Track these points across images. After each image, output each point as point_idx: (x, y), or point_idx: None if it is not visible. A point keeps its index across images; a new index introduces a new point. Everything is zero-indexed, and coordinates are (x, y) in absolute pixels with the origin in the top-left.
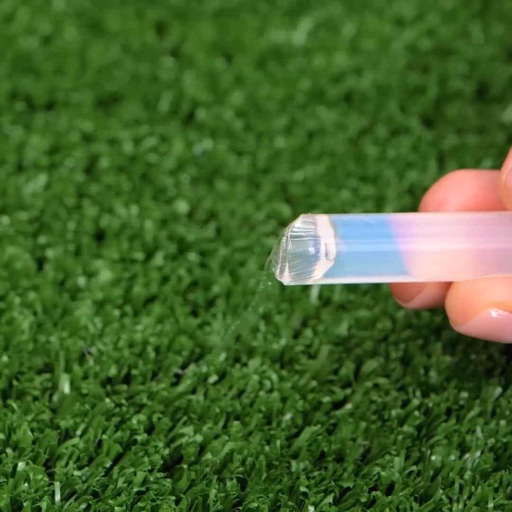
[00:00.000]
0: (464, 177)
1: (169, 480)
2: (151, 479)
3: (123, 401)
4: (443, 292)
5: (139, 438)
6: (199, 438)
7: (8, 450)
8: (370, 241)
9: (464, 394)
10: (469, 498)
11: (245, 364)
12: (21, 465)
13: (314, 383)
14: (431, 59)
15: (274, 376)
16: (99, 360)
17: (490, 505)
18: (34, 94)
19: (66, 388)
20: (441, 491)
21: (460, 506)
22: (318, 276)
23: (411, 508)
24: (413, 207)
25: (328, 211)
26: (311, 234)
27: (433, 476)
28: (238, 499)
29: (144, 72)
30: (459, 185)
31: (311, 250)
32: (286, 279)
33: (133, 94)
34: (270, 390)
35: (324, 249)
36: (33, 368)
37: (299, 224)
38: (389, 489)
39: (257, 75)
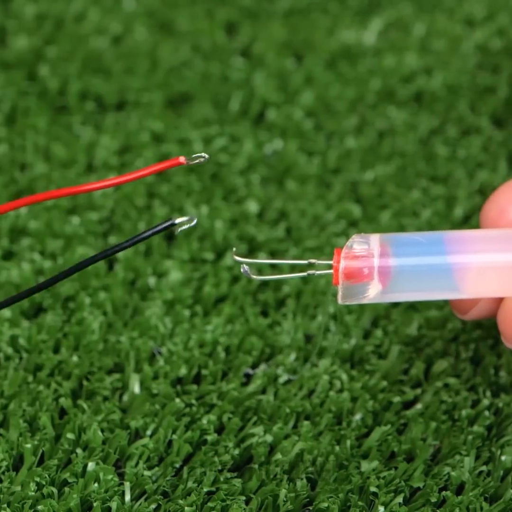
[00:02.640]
0: None
1: (239, 480)
2: (221, 479)
3: (193, 401)
4: (498, 305)
5: (209, 438)
6: (269, 438)
7: (78, 450)
8: (422, 260)
9: None
10: None
11: (315, 364)
12: (91, 465)
13: (384, 383)
14: (502, 59)
15: (344, 376)
16: (169, 360)
17: None
18: (104, 94)
19: (136, 388)
20: (511, 491)
21: None
22: (372, 295)
23: (481, 508)
24: None
25: (399, 211)
26: (365, 254)
27: (503, 476)
28: (308, 499)
29: (214, 72)
30: None
31: (365, 270)
32: (341, 299)
33: (203, 94)
34: (340, 390)
35: (377, 269)
36: (103, 368)
37: (353, 244)
38: (459, 489)
39: (328, 75)
